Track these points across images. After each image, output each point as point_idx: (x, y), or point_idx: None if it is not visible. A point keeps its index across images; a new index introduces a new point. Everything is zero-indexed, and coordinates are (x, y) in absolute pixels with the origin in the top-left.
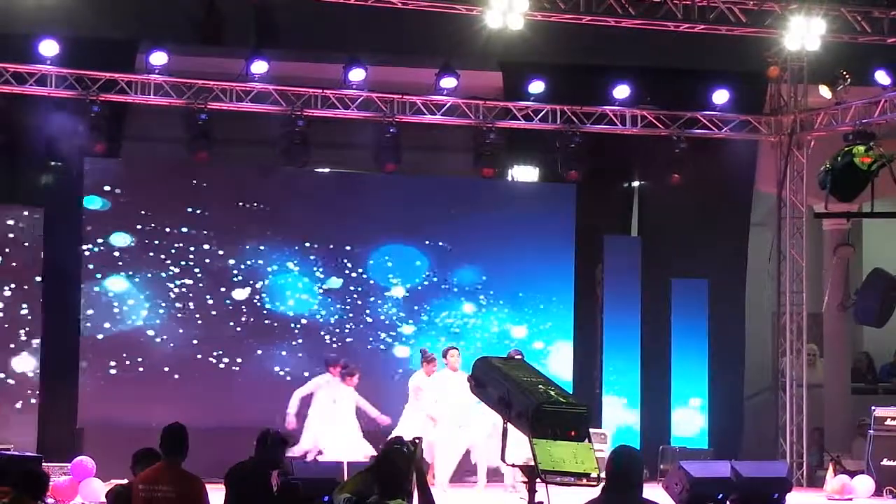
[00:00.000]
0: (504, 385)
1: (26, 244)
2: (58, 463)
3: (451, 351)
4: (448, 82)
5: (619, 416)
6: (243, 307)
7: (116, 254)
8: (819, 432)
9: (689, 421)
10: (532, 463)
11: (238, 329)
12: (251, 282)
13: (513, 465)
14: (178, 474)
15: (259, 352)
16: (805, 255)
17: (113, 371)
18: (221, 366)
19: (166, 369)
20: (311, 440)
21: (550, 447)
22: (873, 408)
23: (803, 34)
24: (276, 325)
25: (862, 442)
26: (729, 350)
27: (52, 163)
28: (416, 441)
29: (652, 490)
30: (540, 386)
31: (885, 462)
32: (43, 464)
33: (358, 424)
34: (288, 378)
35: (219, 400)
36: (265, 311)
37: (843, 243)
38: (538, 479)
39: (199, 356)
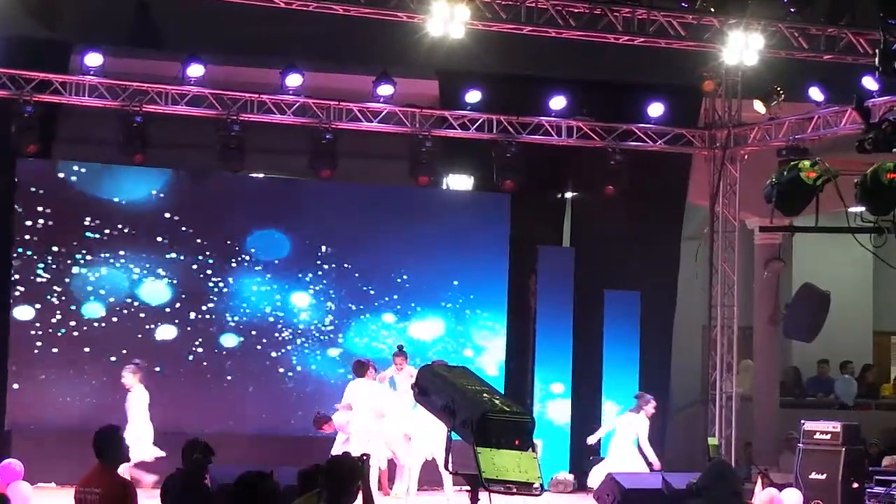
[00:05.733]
0: (448, 393)
1: None
2: None
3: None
4: (385, 90)
5: (551, 425)
6: (170, 310)
7: (47, 255)
8: (748, 445)
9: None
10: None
11: (167, 332)
12: (182, 285)
13: (456, 474)
14: (108, 476)
15: (189, 356)
16: (736, 269)
17: (42, 374)
18: (152, 369)
19: (95, 372)
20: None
21: (494, 456)
22: (803, 421)
23: (741, 49)
24: (207, 328)
25: (789, 455)
26: (659, 362)
27: None
28: (364, 458)
29: (582, 501)
30: (485, 395)
31: (813, 475)
32: None
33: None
34: (224, 383)
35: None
36: (194, 314)
37: (774, 258)
38: (481, 488)
39: (128, 359)
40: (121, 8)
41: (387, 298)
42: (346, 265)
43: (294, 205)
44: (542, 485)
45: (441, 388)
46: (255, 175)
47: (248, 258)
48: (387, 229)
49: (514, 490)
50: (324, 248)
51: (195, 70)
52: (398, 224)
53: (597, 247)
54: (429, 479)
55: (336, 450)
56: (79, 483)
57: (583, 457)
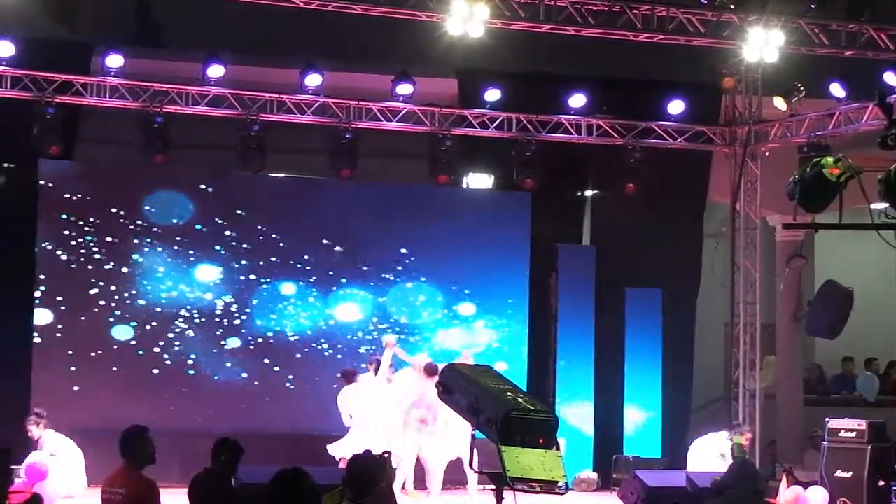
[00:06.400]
0: (472, 392)
1: None
2: (11, 466)
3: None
4: (404, 89)
5: (573, 424)
6: (197, 309)
7: (70, 255)
8: (773, 443)
9: (643, 430)
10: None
11: (193, 332)
12: (207, 285)
13: (481, 472)
14: (132, 476)
15: (214, 352)
16: (758, 267)
17: (67, 373)
18: (178, 368)
19: (121, 370)
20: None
21: (518, 454)
22: (827, 419)
23: (762, 46)
24: (230, 329)
25: (813, 453)
26: (681, 360)
27: (6, 164)
28: (386, 455)
29: (606, 499)
30: (508, 393)
31: (838, 473)
32: None
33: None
34: (242, 383)
35: (175, 403)
36: (219, 314)
37: (797, 255)
38: (506, 487)
39: (155, 358)
40: (140, 9)
41: (410, 298)
42: (365, 266)
43: (313, 204)
44: (566, 483)
45: (465, 387)
46: (275, 175)
47: (271, 256)
48: (406, 228)
49: (539, 489)
50: (341, 248)
51: (215, 70)
52: (418, 223)
53: (617, 245)
54: (452, 478)
55: (345, 446)
56: (104, 483)
57: (606, 455)
